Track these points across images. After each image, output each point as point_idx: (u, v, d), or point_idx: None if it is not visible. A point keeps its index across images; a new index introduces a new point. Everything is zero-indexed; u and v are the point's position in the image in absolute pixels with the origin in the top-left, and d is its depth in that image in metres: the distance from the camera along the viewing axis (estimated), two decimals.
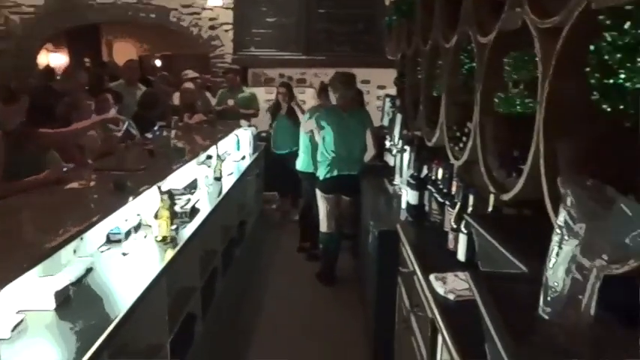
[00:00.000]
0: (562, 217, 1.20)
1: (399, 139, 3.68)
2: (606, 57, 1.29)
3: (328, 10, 7.50)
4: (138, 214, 2.96)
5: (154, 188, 2.91)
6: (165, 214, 2.78)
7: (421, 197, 2.73)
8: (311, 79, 7.34)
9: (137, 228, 2.91)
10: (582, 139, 1.52)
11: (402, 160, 3.35)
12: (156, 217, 2.80)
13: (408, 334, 2.16)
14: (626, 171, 1.37)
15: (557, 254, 1.17)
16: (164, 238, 2.77)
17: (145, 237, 2.83)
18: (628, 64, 1.21)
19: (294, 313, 3.81)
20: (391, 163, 3.84)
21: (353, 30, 7.47)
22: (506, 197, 1.91)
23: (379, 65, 6.35)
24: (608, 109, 1.33)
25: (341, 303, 3.95)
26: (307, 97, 6.63)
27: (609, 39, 1.28)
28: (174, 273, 2.66)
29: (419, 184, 2.77)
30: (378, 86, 7.22)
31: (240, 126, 5.65)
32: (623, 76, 1.22)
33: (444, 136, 2.80)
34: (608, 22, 1.30)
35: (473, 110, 2.33)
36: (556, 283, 1.13)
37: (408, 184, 2.88)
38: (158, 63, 10.01)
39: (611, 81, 1.29)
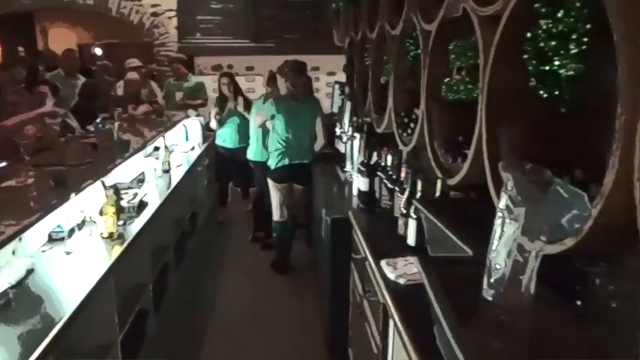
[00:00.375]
0: (503, 201, 1.24)
1: (349, 126, 3.69)
2: (542, 44, 1.34)
3: None
4: (81, 211, 2.84)
5: (98, 183, 2.80)
6: (111, 209, 2.69)
7: (371, 184, 2.77)
8: (259, 66, 7.22)
9: (81, 225, 2.80)
10: (522, 124, 1.57)
11: (352, 147, 3.37)
12: (101, 213, 2.70)
13: (361, 320, 2.20)
14: (563, 154, 1.43)
15: (500, 237, 1.21)
16: (110, 235, 2.68)
17: (90, 234, 2.73)
18: (561, 52, 1.25)
19: (250, 303, 3.80)
20: (342, 150, 3.86)
21: (301, 16, 7.39)
22: (452, 182, 1.96)
23: (328, 52, 6.30)
24: (545, 95, 1.38)
25: (296, 291, 3.96)
26: (257, 85, 6.54)
27: (544, 27, 1.32)
28: (122, 270, 2.58)
29: (369, 170, 2.80)
30: (328, 73, 7.21)
31: (188, 116, 5.51)
32: (557, 63, 1.27)
33: (392, 123, 2.84)
34: (543, 10, 1.35)
35: (420, 97, 2.37)
36: (498, 266, 1.17)
37: (359, 171, 2.91)
38: (99, 51, 9.56)
39: (547, 68, 1.33)
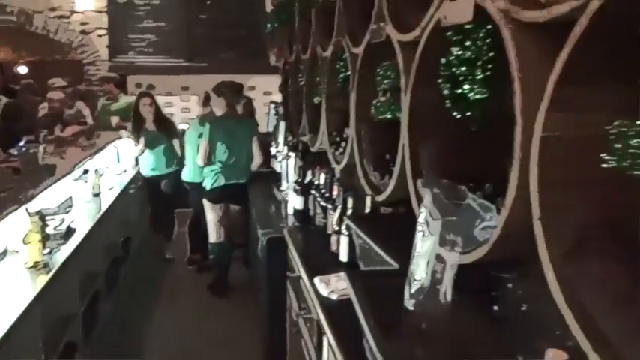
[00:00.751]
0: (422, 216, 1.33)
1: (284, 145, 3.74)
2: (454, 69, 1.45)
3: (210, 15, 7.38)
4: (3, 240, 2.69)
5: (22, 210, 2.67)
6: (36, 237, 2.56)
7: (306, 202, 2.81)
8: (194, 86, 7.14)
9: (2, 255, 2.64)
10: (440, 142, 1.68)
11: (287, 166, 3.42)
12: (25, 241, 2.57)
13: (298, 338, 2.22)
14: (477, 170, 1.54)
15: (419, 250, 1.29)
16: (35, 264, 2.56)
17: (13, 264, 2.58)
18: (470, 77, 1.36)
19: (187, 328, 3.70)
20: (278, 169, 3.90)
21: (236, 36, 7.42)
22: (380, 199, 2.04)
23: (264, 71, 6.38)
24: (459, 116, 1.49)
25: (235, 313, 3.91)
26: (192, 105, 6.46)
27: (455, 54, 1.43)
28: (49, 300, 2.46)
29: (303, 189, 2.85)
30: (265, 92, 7.26)
31: (120, 137, 5.34)
32: (466, 87, 1.38)
33: (325, 142, 2.91)
34: (454, 38, 1.46)
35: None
36: (418, 277, 1.24)
37: (294, 189, 2.95)
38: (23, 70, 9.08)
39: (459, 91, 1.44)
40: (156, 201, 4.99)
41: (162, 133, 4.70)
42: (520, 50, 1.11)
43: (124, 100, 6.08)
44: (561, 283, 0.97)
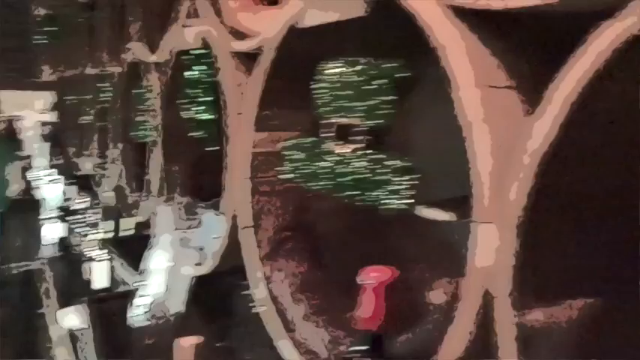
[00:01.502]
0: (157, 232, 1.36)
1: (49, 169, 3.42)
2: (188, 91, 1.53)
3: None
4: None
5: None
6: None
7: (66, 230, 2.62)
8: None
9: None
10: (187, 161, 1.75)
11: (51, 192, 3.13)
12: None
13: None
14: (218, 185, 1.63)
15: (152, 267, 1.31)
16: None
17: None
18: (199, 99, 1.46)
19: None
20: (41, 196, 3.52)
21: (2, 46, 6.55)
22: (140, 219, 2.00)
23: (37, 87, 5.75)
24: (197, 135, 1.57)
25: None
26: None
27: (187, 77, 1.51)
28: None
29: (63, 216, 2.65)
30: (42, 111, 6.50)
31: None
32: (197, 108, 1.47)
33: (92, 164, 2.76)
34: (188, 63, 1.54)
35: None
36: (149, 292, 1.26)
37: (56, 217, 2.72)
38: None
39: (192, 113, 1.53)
40: None
41: None
42: (230, 76, 1.24)
43: None
44: (264, 282, 1.09)
